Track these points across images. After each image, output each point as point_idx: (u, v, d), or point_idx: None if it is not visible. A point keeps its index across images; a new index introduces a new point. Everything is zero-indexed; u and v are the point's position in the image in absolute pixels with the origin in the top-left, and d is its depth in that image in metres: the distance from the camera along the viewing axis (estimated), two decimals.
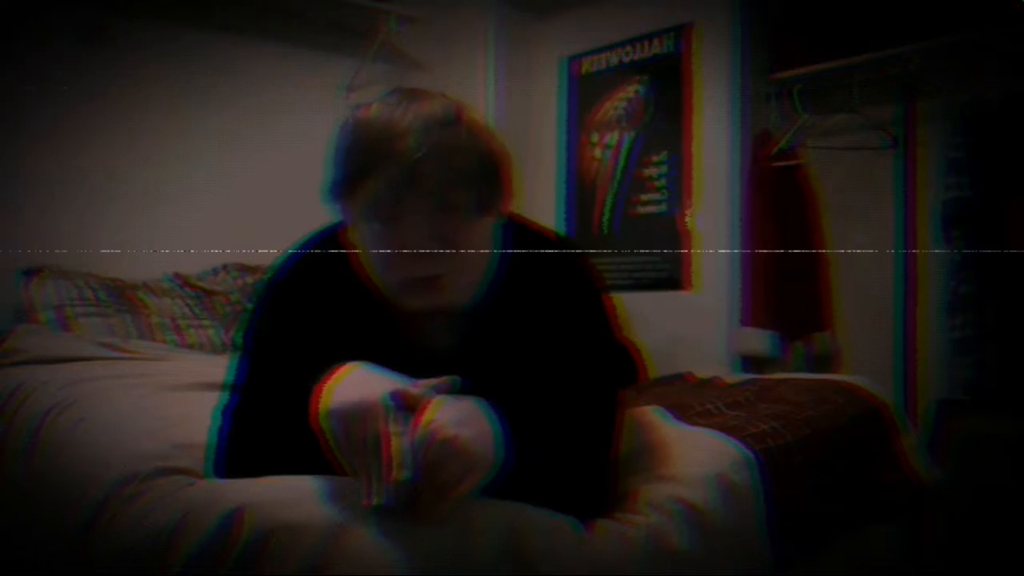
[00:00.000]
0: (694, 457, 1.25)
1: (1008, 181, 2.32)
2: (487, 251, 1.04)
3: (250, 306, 1.13)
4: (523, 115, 3.26)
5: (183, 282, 2.43)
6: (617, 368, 1.16)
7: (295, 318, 1.05)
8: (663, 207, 2.91)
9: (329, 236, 1.10)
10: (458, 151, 0.95)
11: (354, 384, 0.89)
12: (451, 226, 0.96)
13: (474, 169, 0.97)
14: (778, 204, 2.74)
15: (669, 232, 2.88)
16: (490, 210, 1.01)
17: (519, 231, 1.12)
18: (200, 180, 2.63)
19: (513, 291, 1.07)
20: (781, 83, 2.74)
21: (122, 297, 2.24)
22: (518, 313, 1.07)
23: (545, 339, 1.05)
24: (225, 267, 2.56)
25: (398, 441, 0.84)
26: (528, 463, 0.92)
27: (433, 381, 0.91)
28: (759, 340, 2.70)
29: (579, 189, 3.20)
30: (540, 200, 3.25)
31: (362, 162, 0.96)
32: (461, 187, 0.95)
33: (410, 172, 0.93)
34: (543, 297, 1.08)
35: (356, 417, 0.85)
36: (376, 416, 0.85)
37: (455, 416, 0.87)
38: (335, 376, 0.91)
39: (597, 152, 3.13)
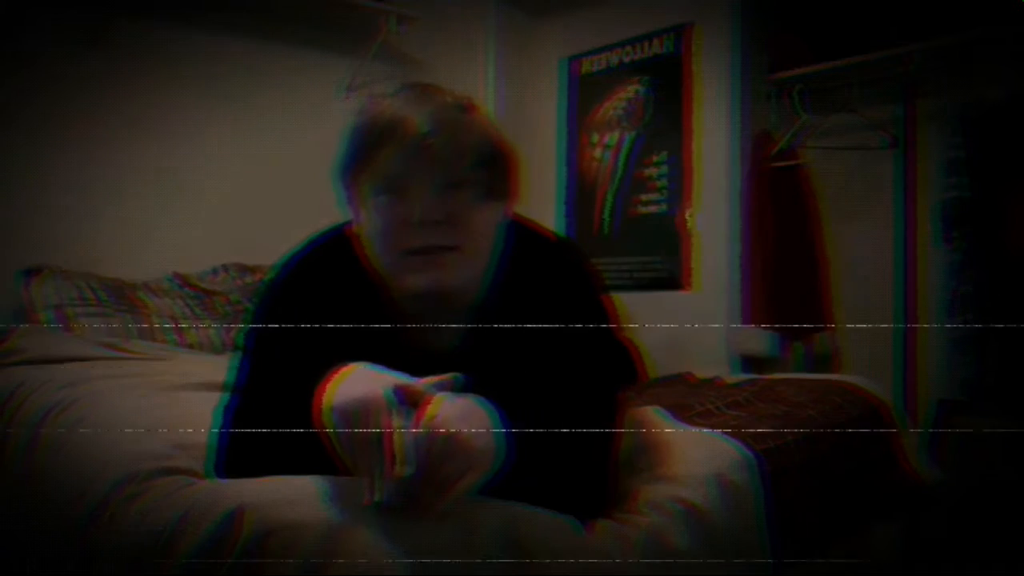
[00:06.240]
0: (694, 457, 1.25)
1: (1008, 181, 2.32)
2: (489, 239, 1.06)
3: (251, 306, 1.14)
4: (523, 115, 3.26)
5: (183, 282, 2.43)
6: (617, 368, 1.16)
7: (297, 318, 1.06)
8: (663, 207, 2.91)
9: (332, 238, 1.10)
10: (467, 133, 1.01)
11: (357, 381, 0.89)
12: (456, 202, 1.00)
13: (481, 152, 1.02)
14: (778, 204, 2.74)
15: (669, 232, 2.88)
16: (495, 198, 1.04)
17: (520, 232, 1.13)
18: (200, 180, 2.63)
19: (514, 291, 1.08)
20: (781, 83, 2.74)
21: (122, 297, 2.24)
22: (519, 313, 1.07)
23: (546, 339, 1.05)
24: (225, 267, 2.56)
25: (400, 436, 0.84)
26: (528, 462, 0.92)
27: (436, 378, 0.91)
28: (759, 340, 2.70)
29: (579, 189, 3.20)
30: (540, 200, 3.25)
31: (374, 137, 1.01)
32: (468, 166, 1.00)
33: (419, 145, 0.98)
34: (544, 297, 1.08)
35: (359, 412, 0.85)
36: (379, 411, 0.85)
37: (457, 413, 0.87)
38: (337, 375, 0.91)
39: (597, 152, 3.13)
